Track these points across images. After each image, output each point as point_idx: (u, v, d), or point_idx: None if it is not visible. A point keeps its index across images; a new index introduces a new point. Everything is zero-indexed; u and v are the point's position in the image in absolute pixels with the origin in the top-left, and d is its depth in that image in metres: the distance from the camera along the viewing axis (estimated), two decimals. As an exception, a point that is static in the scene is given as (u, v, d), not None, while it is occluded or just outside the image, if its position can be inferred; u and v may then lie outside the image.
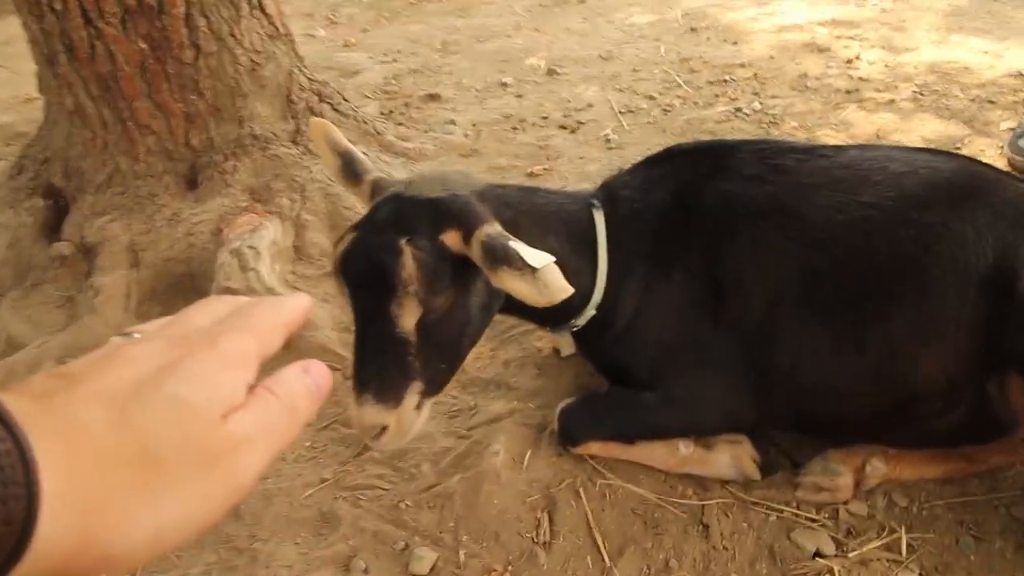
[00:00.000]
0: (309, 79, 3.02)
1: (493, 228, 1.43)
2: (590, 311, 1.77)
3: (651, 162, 1.91)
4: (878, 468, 1.76)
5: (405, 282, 1.41)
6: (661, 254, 1.78)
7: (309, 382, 0.63)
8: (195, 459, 0.53)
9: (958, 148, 2.88)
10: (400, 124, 3.41)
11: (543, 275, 1.34)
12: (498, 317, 1.75)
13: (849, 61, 3.68)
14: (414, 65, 4.13)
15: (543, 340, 2.24)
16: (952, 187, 1.70)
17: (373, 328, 1.46)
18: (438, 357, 1.52)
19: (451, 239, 1.45)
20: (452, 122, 3.38)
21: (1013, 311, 1.56)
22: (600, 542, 1.70)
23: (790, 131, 3.09)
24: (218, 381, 0.56)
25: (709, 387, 1.78)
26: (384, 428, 1.47)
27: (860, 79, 3.48)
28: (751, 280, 1.72)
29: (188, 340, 0.59)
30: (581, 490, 1.79)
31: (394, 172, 2.95)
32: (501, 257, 1.36)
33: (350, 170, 1.71)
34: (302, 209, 2.70)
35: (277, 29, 2.93)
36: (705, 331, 1.76)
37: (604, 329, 1.82)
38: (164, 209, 2.65)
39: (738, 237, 1.73)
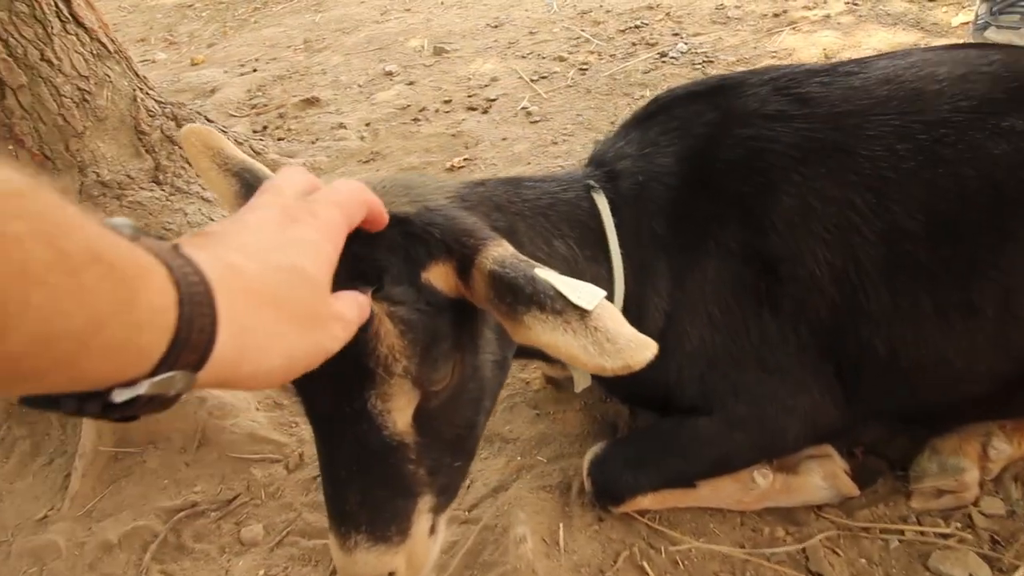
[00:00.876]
0: (159, 101, 2.45)
1: (502, 249, 0.93)
2: None
3: (641, 119, 1.46)
4: (1003, 450, 1.38)
5: (386, 359, 0.90)
6: (685, 237, 1.34)
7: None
8: (306, 315, 0.69)
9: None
10: (280, 139, 2.86)
11: (602, 321, 0.84)
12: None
13: (765, -17, 3.34)
14: (278, 71, 3.57)
15: (527, 370, 1.78)
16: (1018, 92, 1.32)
17: (347, 436, 0.95)
18: (449, 453, 1.03)
19: (439, 276, 0.95)
20: (341, 125, 2.85)
21: None
22: (691, 632, 1.26)
23: (728, 67, 2.72)
24: (321, 250, 0.72)
25: (782, 395, 1.35)
26: (391, 575, 0.98)
27: (783, 2, 3.14)
28: (810, 248, 1.29)
29: (295, 211, 0.73)
30: (645, 563, 1.34)
31: (288, 196, 2.43)
32: (526, 295, 0.86)
33: (252, 192, 1.17)
34: (184, 262, 2.15)
35: (105, 45, 2.35)
36: (762, 323, 1.33)
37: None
38: (2, 297, 2.05)
39: (780, 196, 1.31)
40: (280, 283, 0.66)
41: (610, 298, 1.26)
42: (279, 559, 1.56)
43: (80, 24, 2.27)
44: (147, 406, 0.55)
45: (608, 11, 3.37)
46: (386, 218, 0.90)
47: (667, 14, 3.22)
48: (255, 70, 3.65)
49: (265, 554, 1.57)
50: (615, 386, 1.52)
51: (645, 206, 1.34)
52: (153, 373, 0.53)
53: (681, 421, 1.39)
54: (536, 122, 2.64)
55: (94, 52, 2.29)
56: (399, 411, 0.94)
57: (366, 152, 2.66)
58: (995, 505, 1.36)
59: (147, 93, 2.42)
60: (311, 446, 1.75)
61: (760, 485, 1.38)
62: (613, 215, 1.31)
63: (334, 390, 0.92)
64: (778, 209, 1.30)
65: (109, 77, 2.32)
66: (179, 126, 2.44)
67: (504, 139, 2.57)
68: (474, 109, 2.82)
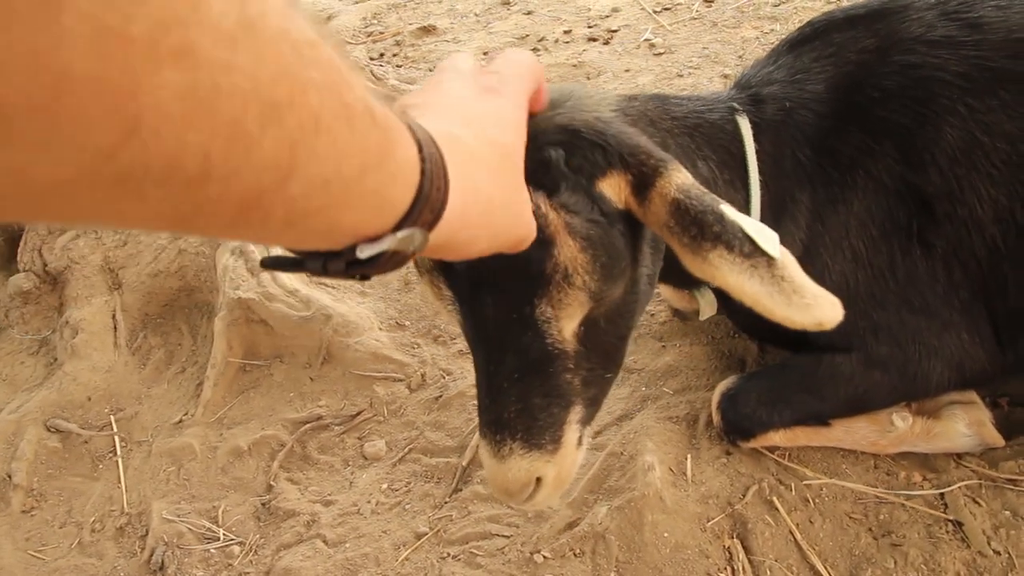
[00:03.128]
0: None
1: (685, 176, 0.90)
2: None
3: (793, 43, 1.40)
4: None
5: (564, 269, 0.89)
6: (831, 166, 1.28)
7: None
8: (513, 189, 0.72)
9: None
10: (399, 66, 2.87)
11: (788, 271, 0.84)
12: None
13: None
14: (392, 0, 3.56)
15: (653, 302, 1.75)
16: None
17: (509, 343, 0.94)
18: (603, 364, 1.02)
19: (612, 187, 0.92)
20: (460, 53, 2.83)
21: None
22: (822, 569, 1.24)
23: (867, 0, 2.56)
24: (520, 124, 0.75)
25: (927, 335, 1.29)
26: (538, 481, 0.98)
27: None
28: (974, 184, 1.22)
29: (487, 83, 0.76)
30: (775, 499, 1.32)
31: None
32: (714, 232, 0.84)
33: None
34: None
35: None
36: (911, 261, 1.27)
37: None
38: (139, 210, 2.13)
39: (943, 129, 1.23)
40: (492, 155, 0.68)
41: None
42: (401, 474, 1.60)
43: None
44: (387, 264, 0.56)
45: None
46: (547, 96, 0.93)
47: (800, -57, 3.06)
48: (370, -1, 3.65)
49: (388, 469, 1.62)
50: (746, 320, 1.48)
51: (790, 133, 1.28)
52: (395, 228, 0.55)
53: (818, 358, 1.35)
54: (660, 54, 2.56)
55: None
56: (568, 320, 0.94)
57: (485, 81, 2.64)
58: None
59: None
60: (433, 367, 1.78)
61: (899, 428, 1.34)
62: (756, 141, 1.26)
63: (504, 296, 0.92)
64: (940, 143, 1.23)
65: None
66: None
67: (627, 71, 2.51)
68: (595, 40, 2.76)
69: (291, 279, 1.92)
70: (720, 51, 2.49)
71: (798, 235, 1.30)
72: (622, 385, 1.60)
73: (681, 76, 2.39)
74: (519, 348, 0.93)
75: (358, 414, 1.75)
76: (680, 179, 0.89)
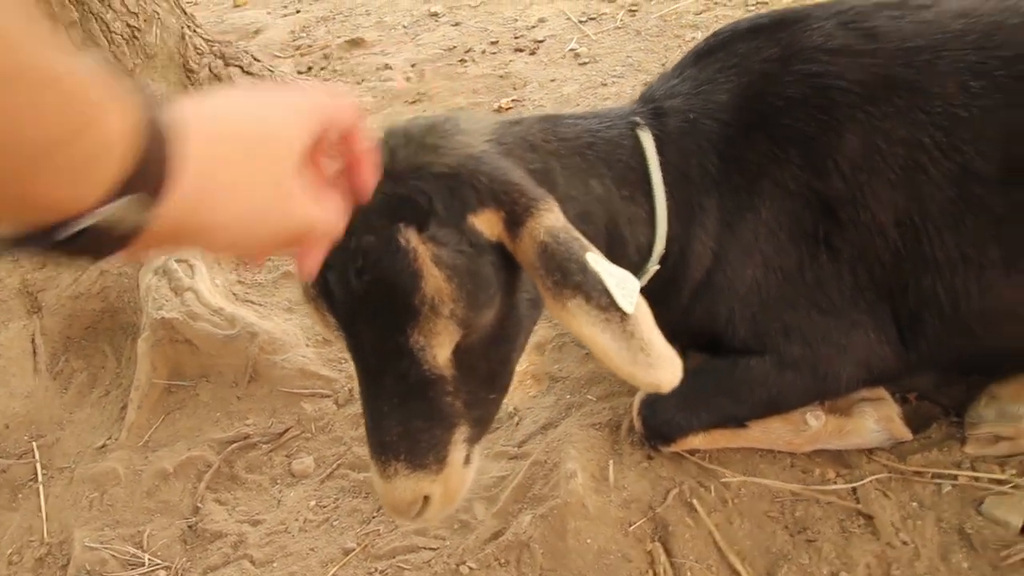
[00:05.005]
0: (206, 39, 2.45)
1: (556, 218, 0.94)
2: (652, 266, 1.31)
3: (698, 55, 1.43)
4: (1064, 397, 1.36)
5: (432, 300, 0.92)
6: (737, 175, 1.32)
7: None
8: (274, 179, 0.66)
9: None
10: (327, 80, 2.86)
11: (639, 328, 0.89)
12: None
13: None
14: (321, 12, 3.55)
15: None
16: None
17: (388, 370, 0.98)
18: (484, 387, 1.07)
19: (485, 222, 0.96)
20: (387, 66, 2.84)
21: None
22: (740, 568, 1.27)
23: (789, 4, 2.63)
24: (301, 122, 0.69)
25: (836, 336, 1.33)
26: (426, 499, 1.02)
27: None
28: (873, 190, 1.27)
29: (280, 87, 0.75)
30: (695, 501, 1.35)
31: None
32: (575, 281, 0.89)
33: None
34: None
35: (155, -17, 2.35)
36: (818, 265, 1.31)
37: (676, 286, 1.36)
38: (58, 232, 2.08)
39: (844, 136, 1.27)
40: (254, 136, 0.65)
41: (649, 238, 1.26)
42: (329, 491, 1.59)
43: (129, -40, 2.26)
44: (100, 244, 0.54)
45: (659, -50, 3.28)
46: (361, 140, 0.81)
47: (721, -47, 3.13)
48: (298, 11, 3.63)
49: (316, 485, 1.61)
50: (666, 326, 1.51)
51: (696, 144, 1.31)
52: (103, 204, 0.52)
53: (733, 361, 1.39)
54: (585, 64, 2.60)
55: (143, -12, 2.29)
56: (440, 347, 0.97)
57: (412, 93, 2.65)
58: (1053, 452, 1.34)
59: (195, 31, 2.43)
60: (360, 382, 1.78)
61: (812, 426, 1.38)
62: (660, 153, 1.29)
63: (378, 326, 0.95)
64: (841, 149, 1.27)
65: (158, 14, 2.32)
66: (227, 65, 2.44)
67: (553, 80, 2.54)
68: (521, 51, 2.79)
69: (216, 297, 1.90)
70: (643, 60, 2.54)
71: (708, 243, 1.33)
72: (547, 394, 1.62)
73: (605, 85, 2.43)
74: (398, 374, 0.97)
75: (285, 431, 1.74)
76: (550, 221, 0.93)
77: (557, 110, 2.33)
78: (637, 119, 1.31)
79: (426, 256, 0.92)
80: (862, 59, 1.29)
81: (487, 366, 1.06)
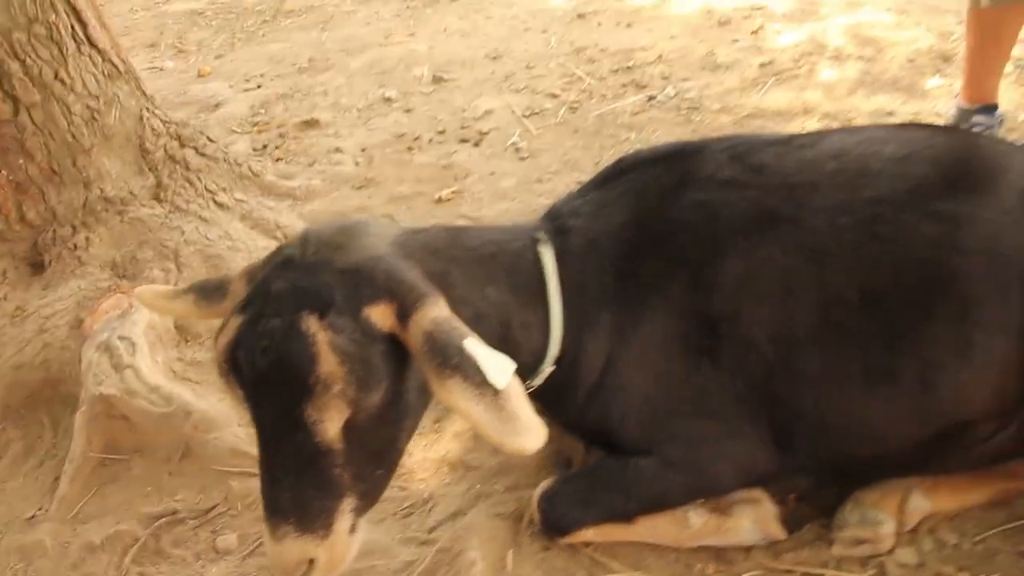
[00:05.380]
0: (164, 121, 2.57)
1: (440, 310, 1.10)
2: (547, 368, 1.44)
3: (603, 179, 1.59)
4: (920, 505, 1.50)
5: (325, 380, 1.08)
6: (631, 290, 1.46)
7: None
8: None
9: (891, 115, 2.69)
10: (279, 160, 2.99)
11: (509, 401, 1.03)
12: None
13: (755, 32, 3.46)
14: (282, 89, 3.70)
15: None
16: (964, 167, 1.44)
17: (284, 440, 1.14)
18: (372, 463, 1.22)
19: (379, 314, 1.13)
20: (338, 150, 2.98)
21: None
22: (622, 657, 1.37)
23: (713, 116, 2.84)
24: None
25: (715, 441, 1.47)
26: (311, 562, 1.16)
27: (771, 51, 3.27)
28: (751, 310, 1.41)
29: None
30: (585, 592, 1.45)
31: (281, 218, 2.55)
32: (453, 363, 1.05)
33: (207, 294, 1.38)
34: (179, 279, 2.26)
35: (116, 66, 2.47)
36: (701, 375, 1.45)
37: (570, 387, 1.50)
38: (4, 303, 2.17)
39: (729, 259, 1.42)
40: None
41: (543, 342, 1.40)
42: (250, 567, 1.68)
43: (94, 46, 2.40)
44: None
45: (603, 50, 3.50)
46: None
47: (659, 56, 3.35)
48: (259, 86, 3.78)
49: (237, 562, 1.69)
50: (564, 421, 1.63)
51: (594, 261, 1.46)
52: None
53: (625, 461, 1.51)
54: (524, 158, 2.77)
55: (105, 72, 2.42)
56: (331, 423, 1.12)
57: (360, 178, 2.79)
58: (909, 555, 1.47)
59: (153, 112, 2.55)
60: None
61: (694, 524, 1.50)
62: (560, 267, 1.43)
63: (277, 400, 1.11)
64: (723, 272, 1.42)
65: (118, 97, 2.44)
66: (183, 145, 2.56)
67: (493, 173, 2.70)
68: (467, 141, 2.95)
69: (155, 375, 1.99)
70: (579, 158, 2.71)
71: (602, 350, 1.46)
72: (460, 482, 1.72)
73: (541, 181, 2.59)
74: (293, 445, 1.12)
75: (212, 508, 1.82)
76: (435, 313, 1.10)
77: (494, 204, 2.48)
78: (540, 235, 1.46)
79: (323, 341, 1.09)
80: (748, 191, 1.46)
81: (375, 444, 1.21)
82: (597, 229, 1.49)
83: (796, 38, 3.35)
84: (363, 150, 2.99)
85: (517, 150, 2.83)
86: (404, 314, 1.11)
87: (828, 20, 3.45)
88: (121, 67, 2.49)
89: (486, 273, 1.37)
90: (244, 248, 2.38)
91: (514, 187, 2.59)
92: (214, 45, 4.72)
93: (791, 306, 1.40)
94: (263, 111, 3.49)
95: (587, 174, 2.60)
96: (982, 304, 1.33)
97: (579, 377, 1.48)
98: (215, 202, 2.50)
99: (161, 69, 4.40)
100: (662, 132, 2.79)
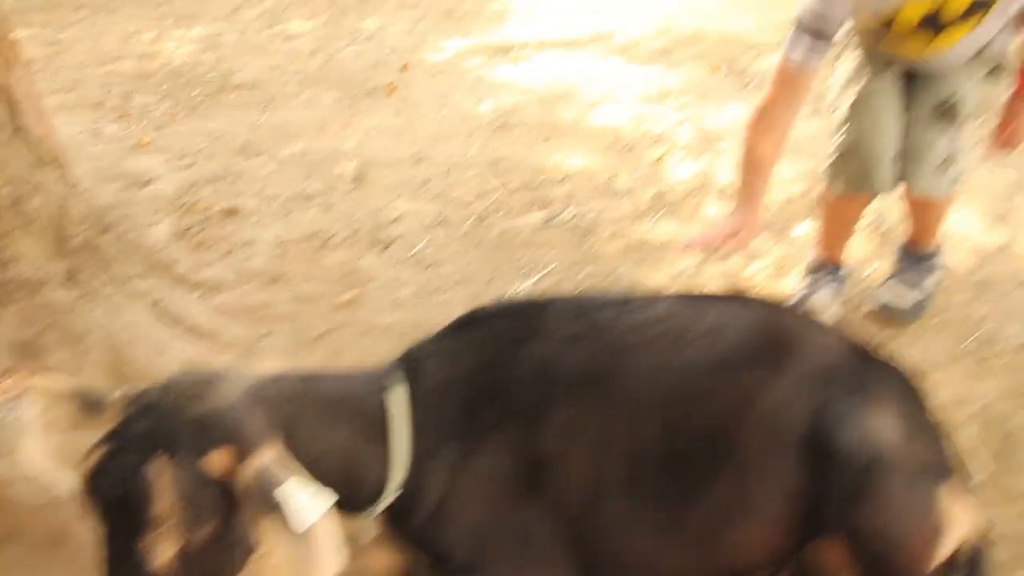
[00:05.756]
0: (87, 207, 2.72)
1: (269, 456, 1.29)
2: (391, 494, 1.62)
3: (457, 327, 1.79)
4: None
5: (163, 514, 1.25)
6: (472, 429, 1.66)
7: None
8: None
9: (759, 257, 2.97)
10: (198, 247, 3.15)
11: (316, 540, 1.21)
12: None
13: (655, 162, 3.75)
14: (214, 170, 3.87)
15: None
16: (763, 344, 1.68)
17: (123, 564, 1.29)
18: None
19: (218, 461, 1.30)
20: (254, 241, 3.16)
21: (829, 475, 1.54)
22: None
23: (604, 240, 3.09)
24: None
25: (534, 571, 1.66)
26: None
27: (667, 182, 3.55)
28: (572, 456, 1.62)
29: None
30: None
31: (187, 310, 2.70)
32: (270, 503, 1.23)
33: (88, 406, 1.51)
34: (82, 364, 2.39)
35: (45, 155, 2.63)
36: (526, 511, 1.65)
37: (413, 511, 1.67)
38: (-94, 379, 2.27)
39: (557, 408, 1.64)
40: None
41: (383, 476, 1.58)
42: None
43: (27, 135, 2.55)
44: None
45: (517, 163, 3.74)
46: None
47: (566, 176, 3.61)
48: (191, 165, 3.94)
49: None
50: (412, 541, 1.81)
51: (440, 404, 1.65)
52: None
53: (451, 582, 1.69)
54: (427, 267, 2.97)
55: (34, 161, 2.57)
56: (162, 552, 1.26)
57: (269, 274, 2.96)
58: None
59: (78, 198, 2.69)
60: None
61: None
62: (410, 407, 1.62)
63: (120, 526, 1.27)
64: (550, 421, 1.63)
65: (43, 183, 2.59)
66: (102, 232, 2.71)
67: (395, 280, 2.90)
68: (376, 244, 3.15)
69: (40, 458, 2.11)
70: (476, 272, 2.93)
71: (442, 483, 1.64)
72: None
73: (437, 293, 2.80)
74: (129, 566, 1.26)
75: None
76: (264, 459, 1.28)
77: (390, 313, 2.67)
78: (391, 379, 1.65)
79: (166, 481, 1.25)
80: (580, 348, 1.67)
81: (205, 571, 1.34)
82: (445, 375, 1.68)
83: (691, 171, 3.65)
84: (278, 244, 3.17)
85: (421, 259, 3.04)
86: (239, 459, 1.29)
87: (723, 156, 3.76)
88: (50, 156, 2.64)
89: (333, 417, 1.55)
90: (147, 338, 2.53)
91: (411, 297, 2.79)
92: (157, 113, 4.87)
93: (604, 456, 1.61)
94: (191, 193, 3.64)
95: (481, 289, 2.83)
96: (760, 466, 1.56)
97: (420, 503, 1.66)
98: (126, 290, 2.64)
99: (100, 133, 4.53)
100: (556, 253, 3.03)
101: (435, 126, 4.30)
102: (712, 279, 2.87)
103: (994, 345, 2.57)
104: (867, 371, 1.70)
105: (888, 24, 2.25)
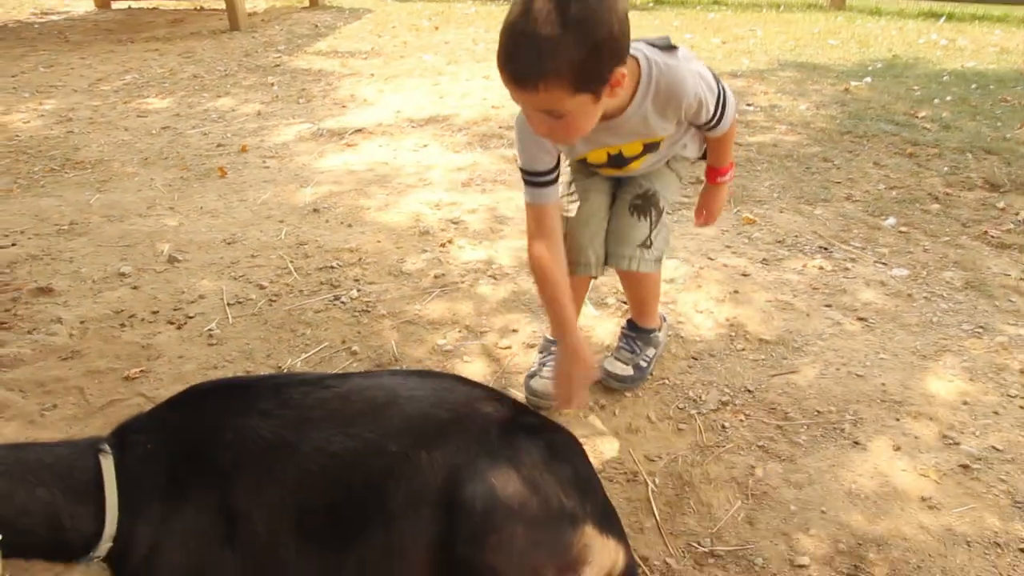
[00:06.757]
0: None
1: None
2: (105, 545, 1.95)
3: (172, 403, 2.15)
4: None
5: None
6: (177, 490, 2.01)
7: None
8: None
9: (515, 331, 3.42)
10: (2, 325, 3.42)
11: None
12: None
13: (443, 245, 4.21)
14: (35, 250, 4.13)
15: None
16: (422, 419, 2.10)
17: None
18: None
19: None
20: (59, 320, 3.44)
21: (455, 523, 1.96)
22: None
23: (378, 318, 3.48)
24: None
25: (228, 607, 2.02)
26: None
27: (449, 264, 4.01)
28: (257, 512, 2.00)
29: None
30: None
31: (-20, 384, 2.97)
32: None
33: None
34: None
35: None
36: (222, 557, 2.00)
37: (126, 558, 2.00)
38: None
39: (247, 472, 2.01)
40: None
41: (95, 529, 1.91)
42: None
43: None
44: None
45: (320, 246, 4.12)
46: None
47: (360, 259, 3.99)
48: (14, 244, 4.18)
49: None
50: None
51: (149, 466, 2.00)
52: None
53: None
54: (212, 345, 3.31)
55: None
56: None
57: (67, 350, 3.24)
58: None
59: None
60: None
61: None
62: (120, 472, 1.96)
63: None
64: (242, 482, 2.00)
65: None
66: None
67: (181, 357, 3.22)
68: (172, 323, 3.47)
69: None
70: (256, 348, 3.28)
71: (150, 535, 1.99)
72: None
73: (216, 368, 3.14)
74: None
75: None
76: None
77: (171, 387, 2.99)
78: (103, 445, 1.99)
79: None
80: (272, 420, 2.05)
81: None
82: (155, 442, 2.04)
83: (474, 255, 4.12)
84: (81, 322, 3.46)
85: (210, 336, 3.37)
86: None
87: (504, 241, 4.26)
88: None
89: (36, 479, 1.88)
90: (-65, 411, 2.79)
91: (193, 371, 3.12)
92: (-6, 188, 5.09)
93: (282, 511, 1.99)
94: (8, 271, 3.90)
95: (258, 365, 3.19)
96: (402, 519, 1.97)
97: (132, 552, 2.00)
98: (-80, 366, 2.90)
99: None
100: (331, 331, 3.40)
101: (253, 210, 4.67)
102: (469, 351, 3.29)
103: (695, 408, 3.05)
104: (513, 434, 2.15)
105: (583, 161, 2.79)
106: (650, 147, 2.73)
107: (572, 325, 2.64)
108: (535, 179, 2.62)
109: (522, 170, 2.63)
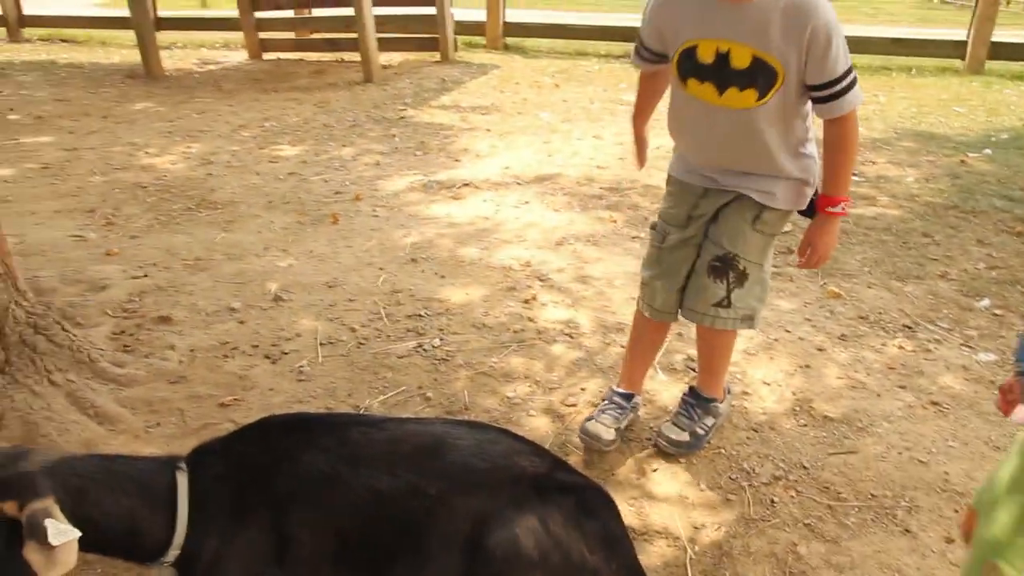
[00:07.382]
0: (28, 312, 3.43)
1: (40, 504, 1.87)
2: (174, 551, 2.21)
3: (243, 432, 2.42)
4: None
5: None
6: (240, 510, 2.27)
7: None
8: None
9: (582, 398, 3.57)
10: (125, 347, 3.83)
11: (61, 553, 1.79)
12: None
13: (527, 301, 4.41)
14: (162, 282, 4.59)
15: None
16: (462, 467, 2.29)
17: None
18: None
19: (9, 508, 1.87)
20: (172, 347, 3.83)
21: (476, 567, 2.13)
22: None
23: (456, 367, 3.70)
24: None
25: (275, 618, 2.24)
26: None
27: (529, 320, 4.20)
28: (306, 537, 2.22)
29: None
30: None
31: (98, 399, 3.36)
32: (32, 533, 1.80)
33: None
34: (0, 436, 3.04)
35: (-2, 270, 3.35)
36: (271, 572, 2.24)
37: (192, 566, 2.26)
38: None
39: (302, 501, 2.25)
40: None
41: (166, 536, 2.17)
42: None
43: (-18, 254, 3.28)
44: None
45: (412, 295, 4.40)
46: None
47: (447, 309, 4.25)
48: (146, 275, 4.66)
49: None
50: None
51: (219, 486, 2.26)
52: None
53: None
54: (301, 381, 3.61)
55: (-13, 276, 3.29)
56: None
57: (176, 375, 3.62)
58: None
59: (20, 305, 3.40)
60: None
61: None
62: (192, 489, 2.23)
63: None
64: (296, 509, 2.24)
65: (-7, 293, 3.30)
66: (37, 332, 3.40)
67: (271, 389, 3.53)
68: (268, 358, 3.80)
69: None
70: (338, 387, 3.55)
71: (213, 548, 2.24)
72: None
73: (302, 402, 3.43)
74: None
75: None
76: (37, 506, 1.86)
77: (260, 414, 3.30)
78: (181, 464, 2.27)
79: None
80: (330, 455, 2.29)
81: None
82: (225, 465, 2.31)
83: (555, 314, 4.30)
84: (191, 350, 3.83)
85: (300, 372, 3.68)
86: (20, 507, 1.86)
87: (585, 302, 4.42)
88: (1, 269, 3.36)
89: (118, 487, 2.16)
90: (58, 419, 3.18)
91: (280, 403, 3.41)
92: (138, 223, 5.65)
93: (328, 539, 2.21)
94: (138, 299, 4.35)
95: (339, 402, 3.46)
96: (435, 555, 2.16)
97: (198, 561, 2.25)
98: (49, 380, 3.31)
99: (83, 239, 5.30)
100: (411, 376, 3.65)
101: (357, 256, 5.02)
102: (536, 406, 3.47)
103: (747, 479, 3.11)
104: (545, 488, 2.30)
105: (690, 54, 2.75)
106: (759, 73, 2.64)
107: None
108: (644, 52, 2.99)
109: (639, 39, 2.99)
